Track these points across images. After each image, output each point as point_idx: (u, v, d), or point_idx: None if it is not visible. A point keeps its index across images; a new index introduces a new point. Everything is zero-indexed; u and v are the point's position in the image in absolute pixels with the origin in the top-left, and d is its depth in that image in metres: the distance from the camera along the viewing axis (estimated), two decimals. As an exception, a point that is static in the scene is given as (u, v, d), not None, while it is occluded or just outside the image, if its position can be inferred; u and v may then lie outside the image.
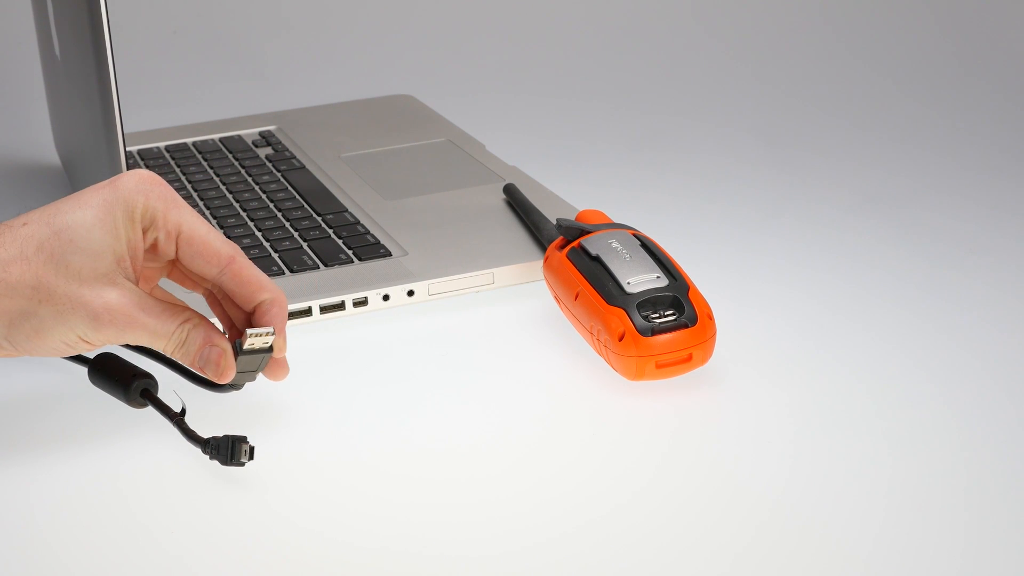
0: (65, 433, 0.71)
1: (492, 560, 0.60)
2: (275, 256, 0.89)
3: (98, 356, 0.72)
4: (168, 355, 0.66)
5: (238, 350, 0.65)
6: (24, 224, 0.64)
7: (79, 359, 0.75)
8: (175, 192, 0.66)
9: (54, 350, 0.65)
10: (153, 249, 0.66)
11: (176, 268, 0.69)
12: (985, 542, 0.61)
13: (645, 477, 0.66)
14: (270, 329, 0.65)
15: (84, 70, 0.78)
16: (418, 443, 0.70)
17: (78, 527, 0.64)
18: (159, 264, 0.68)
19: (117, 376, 0.71)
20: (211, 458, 0.65)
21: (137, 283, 0.65)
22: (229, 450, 0.64)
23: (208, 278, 0.67)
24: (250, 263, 0.67)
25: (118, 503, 0.65)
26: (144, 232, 0.65)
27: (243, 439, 0.65)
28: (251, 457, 0.65)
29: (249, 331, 0.65)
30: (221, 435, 0.65)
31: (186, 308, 0.66)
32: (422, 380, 0.76)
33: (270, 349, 0.65)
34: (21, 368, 0.77)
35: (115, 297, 0.64)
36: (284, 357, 0.68)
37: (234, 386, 0.68)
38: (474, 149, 1.09)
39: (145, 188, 0.65)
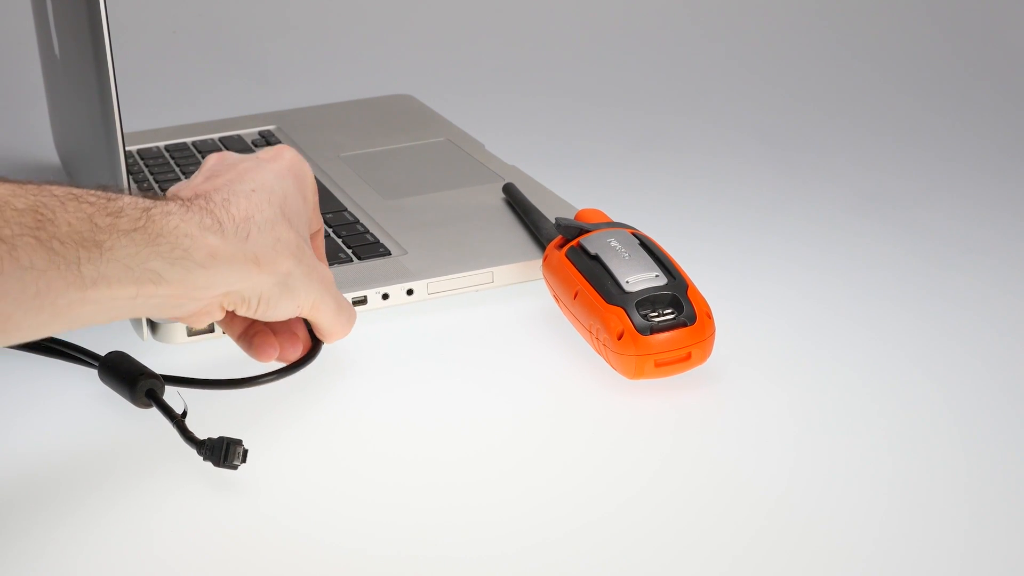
0: (66, 433, 0.71)
1: (492, 561, 0.60)
2: (274, 255, 0.89)
3: (108, 355, 0.73)
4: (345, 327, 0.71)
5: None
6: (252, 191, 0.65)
7: (90, 357, 0.75)
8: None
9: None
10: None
11: None
12: (985, 542, 0.61)
13: (644, 476, 0.66)
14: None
15: (84, 70, 0.78)
16: (417, 442, 0.70)
17: (78, 527, 0.64)
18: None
19: (125, 375, 0.71)
20: (205, 459, 0.65)
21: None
22: (223, 452, 0.64)
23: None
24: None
25: (119, 502, 0.65)
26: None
27: (238, 442, 0.64)
28: (244, 460, 0.65)
29: None
30: (216, 437, 0.65)
31: None
32: (421, 379, 0.76)
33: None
34: (22, 369, 0.77)
35: (318, 261, 0.69)
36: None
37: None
38: (473, 149, 1.09)
39: (305, 201, 0.70)
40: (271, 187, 0.65)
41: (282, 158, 0.69)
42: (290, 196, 0.67)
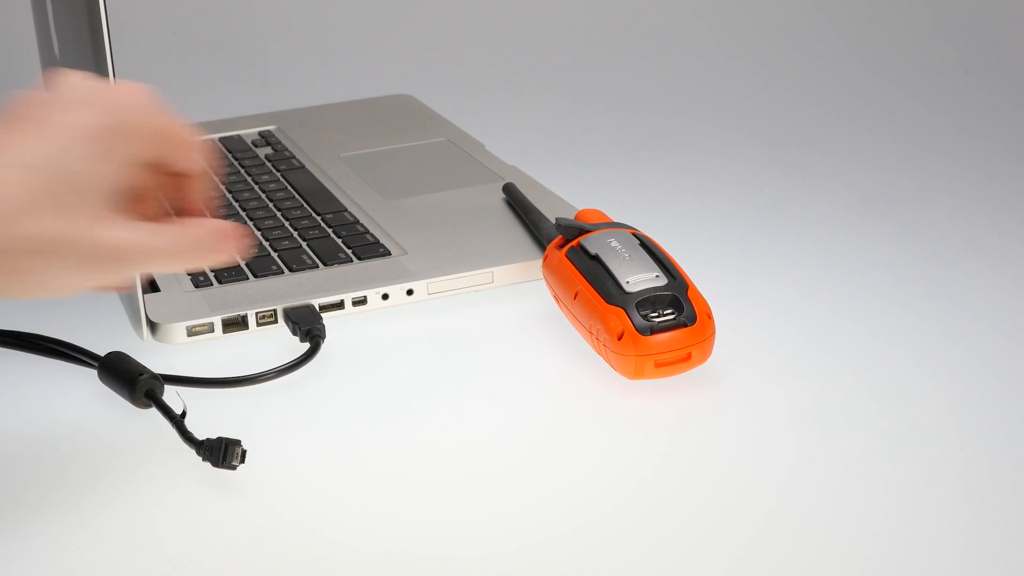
0: (66, 433, 0.71)
1: (491, 559, 0.60)
2: (275, 255, 0.89)
3: (108, 355, 0.73)
4: (193, 267, 0.62)
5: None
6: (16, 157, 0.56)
7: (90, 358, 0.75)
8: (164, 101, 0.62)
9: (62, 296, 0.60)
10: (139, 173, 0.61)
11: None
12: (985, 542, 0.61)
13: (644, 476, 0.66)
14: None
15: (84, 70, 0.78)
16: (417, 442, 0.70)
17: (79, 527, 0.64)
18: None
19: (124, 375, 0.71)
20: (203, 459, 0.65)
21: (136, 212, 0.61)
22: (221, 452, 0.64)
23: (193, 169, 0.63)
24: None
25: (119, 502, 0.65)
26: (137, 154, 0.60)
27: (236, 442, 0.64)
28: (242, 461, 0.64)
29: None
30: (215, 437, 0.65)
31: (186, 220, 0.62)
32: (421, 379, 0.76)
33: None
34: (22, 369, 0.77)
35: (129, 233, 0.59)
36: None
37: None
38: (473, 149, 1.09)
39: (144, 119, 0.61)
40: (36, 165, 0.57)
41: (86, 108, 0.60)
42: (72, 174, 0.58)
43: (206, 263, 0.62)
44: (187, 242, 0.61)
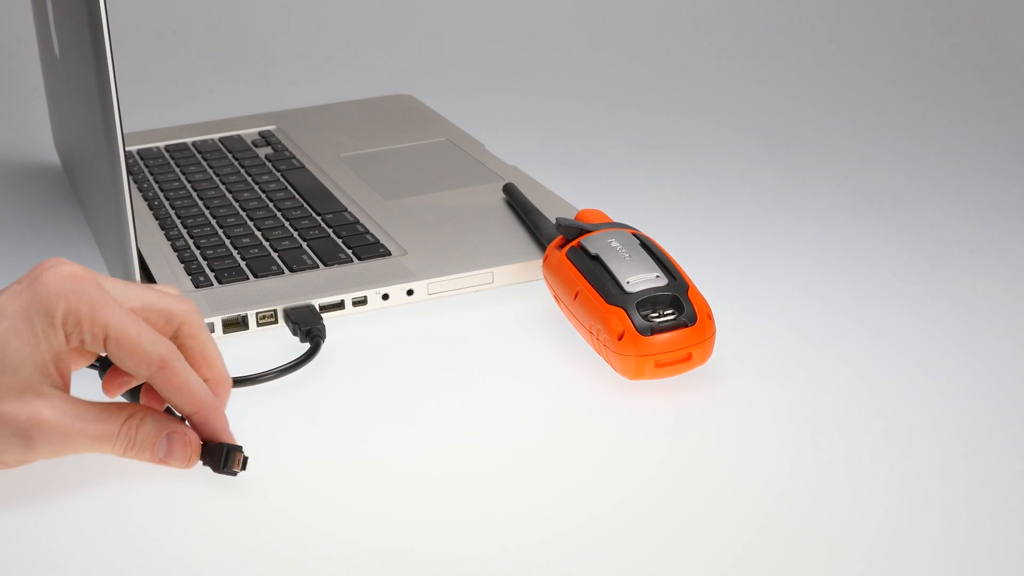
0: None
1: (491, 558, 0.60)
2: (275, 256, 0.89)
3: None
4: (121, 457, 0.61)
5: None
6: None
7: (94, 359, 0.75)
8: (102, 288, 0.60)
9: None
10: (80, 349, 0.62)
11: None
12: (985, 542, 0.61)
13: (644, 476, 0.66)
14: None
15: (84, 70, 0.78)
16: (418, 442, 0.70)
17: (78, 526, 0.64)
18: (88, 359, 0.66)
19: None
20: (204, 464, 0.64)
21: (67, 387, 0.61)
22: (222, 458, 0.63)
23: (141, 378, 0.62)
24: (186, 368, 0.61)
25: (119, 502, 0.65)
26: (68, 336, 0.60)
27: (238, 449, 0.63)
28: (244, 468, 0.63)
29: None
30: (217, 443, 0.64)
31: (127, 404, 0.62)
32: (421, 379, 0.76)
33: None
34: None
35: (45, 410, 0.59)
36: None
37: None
38: (473, 149, 1.09)
39: (68, 289, 0.59)
40: None
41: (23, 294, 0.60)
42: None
43: (142, 458, 0.62)
44: (118, 430, 0.61)
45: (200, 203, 0.99)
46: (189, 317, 0.63)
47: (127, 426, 0.61)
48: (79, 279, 0.60)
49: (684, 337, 0.72)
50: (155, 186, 1.04)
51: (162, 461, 0.62)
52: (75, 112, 0.88)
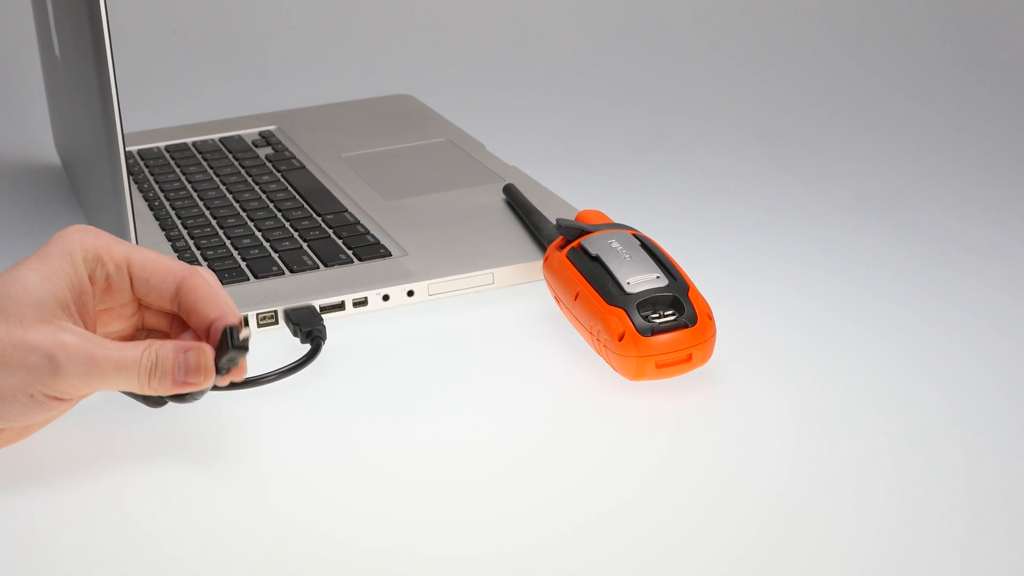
0: (66, 433, 0.71)
1: (491, 560, 0.61)
2: (275, 256, 0.89)
3: None
4: (145, 389, 0.63)
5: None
6: None
7: None
8: (115, 236, 0.65)
9: (19, 415, 0.62)
10: (108, 289, 0.65)
11: (141, 312, 0.68)
12: (985, 542, 0.61)
13: (645, 477, 0.66)
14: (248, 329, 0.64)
15: (84, 70, 0.78)
16: (418, 443, 0.70)
17: (78, 526, 0.64)
18: (119, 304, 0.67)
19: None
20: (219, 372, 0.64)
21: (93, 331, 0.63)
22: (229, 338, 0.63)
23: (167, 301, 0.65)
24: (206, 282, 0.65)
25: (119, 501, 0.65)
26: (92, 274, 0.64)
27: (236, 322, 0.63)
28: (248, 326, 0.63)
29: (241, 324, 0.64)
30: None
31: (144, 339, 0.64)
32: (422, 380, 0.76)
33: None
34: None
35: (67, 336, 0.61)
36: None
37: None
38: (474, 149, 1.09)
39: (82, 233, 0.64)
40: None
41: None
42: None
43: (165, 383, 0.63)
44: (141, 354, 0.62)
45: (200, 203, 0.99)
46: (192, 271, 0.65)
47: (148, 351, 0.63)
48: (94, 230, 0.65)
49: (685, 338, 0.72)
50: (155, 186, 1.04)
51: (183, 383, 0.63)
52: (75, 112, 0.88)
